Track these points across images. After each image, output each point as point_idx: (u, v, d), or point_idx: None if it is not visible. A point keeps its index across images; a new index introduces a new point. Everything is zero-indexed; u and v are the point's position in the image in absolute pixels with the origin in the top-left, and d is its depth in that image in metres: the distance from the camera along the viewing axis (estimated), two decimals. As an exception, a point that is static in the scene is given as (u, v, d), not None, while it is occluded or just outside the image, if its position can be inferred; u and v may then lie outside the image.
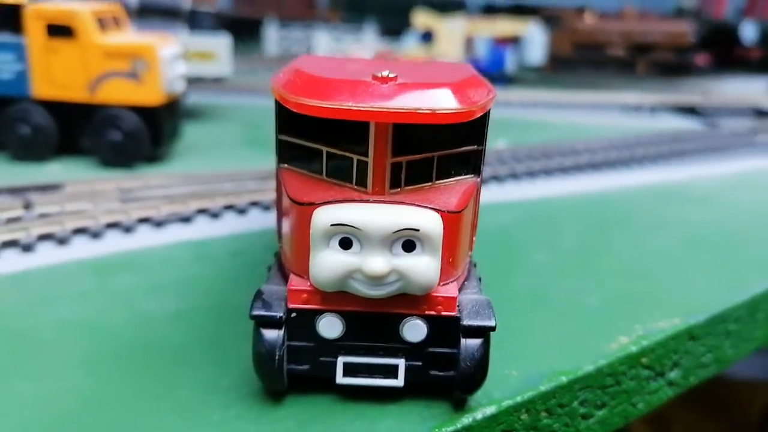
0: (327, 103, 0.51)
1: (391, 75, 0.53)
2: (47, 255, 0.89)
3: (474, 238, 0.66)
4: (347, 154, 0.55)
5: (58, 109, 1.26)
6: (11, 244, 0.89)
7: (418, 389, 0.60)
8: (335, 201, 0.54)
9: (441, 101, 0.52)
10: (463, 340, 0.57)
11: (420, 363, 0.58)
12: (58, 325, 0.72)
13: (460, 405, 0.60)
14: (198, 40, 1.61)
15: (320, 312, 0.57)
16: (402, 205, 0.53)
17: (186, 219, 1.03)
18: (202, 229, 1.02)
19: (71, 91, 1.24)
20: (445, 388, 0.59)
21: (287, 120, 0.59)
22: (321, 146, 0.57)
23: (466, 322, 0.56)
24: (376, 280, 0.52)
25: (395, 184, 0.55)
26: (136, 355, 0.67)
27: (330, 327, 0.57)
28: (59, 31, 1.21)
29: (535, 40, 2.61)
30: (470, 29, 2.56)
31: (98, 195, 1.07)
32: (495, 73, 2.66)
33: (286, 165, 0.61)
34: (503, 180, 1.33)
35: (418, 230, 0.52)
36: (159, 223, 1.00)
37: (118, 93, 1.24)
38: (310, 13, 3.77)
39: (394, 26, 3.27)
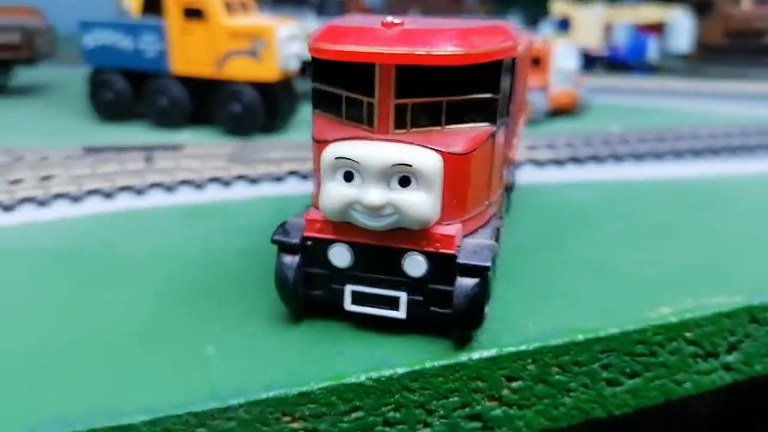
0: (334, 46, 0.57)
1: (396, 21, 0.57)
2: (156, 199, 1.04)
3: (495, 188, 0.67)
4: (360, 97, 0.60)
5: (190, 83, 1.44)
6: (127, 188, 1.05)
7: (424, 326, 0.64)
8: (343, 138, 0.59)
9: (439, 44, 0.55)
10: (458, 278, 0.59)
11: (421, 298, 0.62)
12: (148, 252, 0.85)
13: (461, 343, 0.63)
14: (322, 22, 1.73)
15: (331, 242, 0.62)
16: (401, 143, 0.57)
17: (278, 178, 1.14)
18: (291, 187, 1.12)
19: (202, 67, 1.41)
20: (445, 325, 0.62)
21: (317, 68, 0.65)
22: (341, 91, 0.63)
23: (461, 260, 0.59)
24: (374, 211, 0.57)
25: (400, 124, 0.59)
26: (200, 279, 0.77)
27: (340, 256, 0.62)
28: (193, 14, 1.38)
29: (681, 28, 2.42)
30: (610, 16, 2.45)
31: (210, 156, 1.22)
32: (635, 62, 2.53)
33: (317, 110, 0.67)
34: (599, 160, 1.29)
35: (410, 166, 0.56)
36: (253, 180, 1.12)
37: (240, 69, 1.39)
38: (456, 6, 3.82)
39: (539, 17, 3.22)
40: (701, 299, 0.74)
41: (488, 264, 0.58)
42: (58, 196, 1.01)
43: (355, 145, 0.57)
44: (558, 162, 1.26)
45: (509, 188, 0.81)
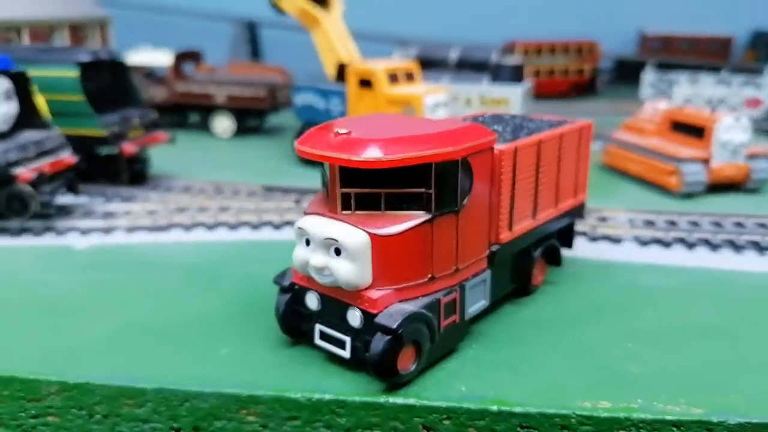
0: (300, 147, 0.77)
1: (342, 131, 0.75)
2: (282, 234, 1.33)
3: (444, 265, 0.79)
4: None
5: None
6: (268, 223, 1.37)
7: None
8: (309, 213, 0.79)
9: (359, 152, 0.71)
10: (376, 335, 0.74)
11: (359, 344, 0.78)
12: (241, 273, 1.14)
13: (390, 389, 0.77)
14: (495, 89, 1.88)
15: (307, 289, 0.82)
16: (339, 221, 0.75)
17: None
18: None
19: (371, 126, 1.69)
20: (373, 370, 0.77)
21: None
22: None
23: (376, 319, 0.74)
24: (317, 270, 0.76)
25: (346, 207, 0.77)
26: (260, 299, 1.02)
27: (311, 300, 0.82)
28: (365, 83, 1.67)
29: None
30: None
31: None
32: None
33: (322, 189, 0.87)
34: (712, 246, 1.21)
35: (336, 240, 0.73)
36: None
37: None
38: (723, 56, 3.51)
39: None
40: (654, 403, 0.75)
41: (393, 326, 0.72)
42: (220, 224, 1.37)
43: (309, 219, 0.77)
44: (663, 242, 1.23)
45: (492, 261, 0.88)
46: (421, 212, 0.76)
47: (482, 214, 0.84)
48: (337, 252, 0.74)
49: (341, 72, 1.76)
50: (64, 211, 1.43)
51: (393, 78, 1.66)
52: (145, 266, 1.17)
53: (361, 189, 0.76)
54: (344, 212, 0.77)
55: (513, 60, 2.02)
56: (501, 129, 0.97)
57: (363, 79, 1.67)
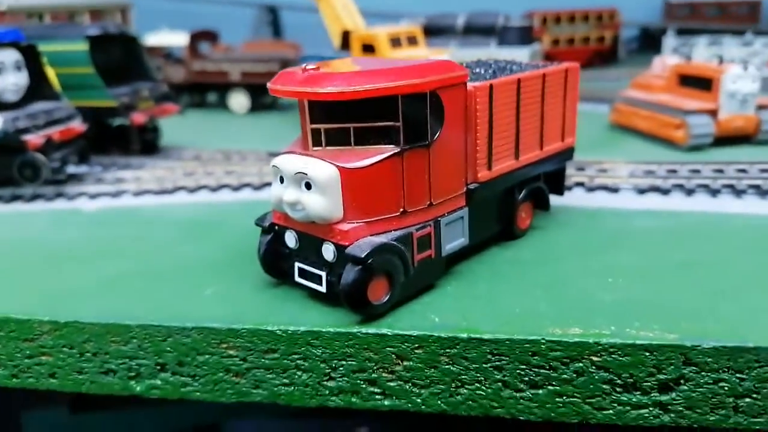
0: (271, 85, 0.79)
1: (310, 67, 0.76)
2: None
3: (416, 199, 0.79)
4: None
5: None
6: (269, 184, 1.39)
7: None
8: (285, 152, 0.81)
9: (323, 85, 0.73)
10: (347, 266, 0.76)
11: (334, 278, 0.79)
12: (242, 227, 1.16)
13: (365, 321, 0.78)
14: (501, 51, 1.87)
15: (286, 228, 0.84)
16: (308, 157, 0.77)
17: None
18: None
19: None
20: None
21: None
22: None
23: (346, 251, 0.75)
24: (290, 205, 0.78)
25: (317, 143, 0.78)
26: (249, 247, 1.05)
27: (290, 239, 0.84)
28: (368, 48, 1.68)
29: None
30: None
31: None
32: None
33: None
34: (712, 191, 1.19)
35: (306, 174, 0.75)
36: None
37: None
38: (751, 20, 3.39)
39: None
40: (627, 329, 0.75)
41: (362, 256, 0.74)
42: (223, 186, 1.40)
43: (282, 157, 0.79)
44: (661, 190, 1.21)
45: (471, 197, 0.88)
46: (391, 146, 0.77)
47: (457, 151, 0.84)
48: (308, 186, 0.76)
49: (346, 39, 1.77)
50: (76, 178, 1.48)
51: (395, 42, 1.67)
52: (146, 223, 1.21)
53: (330, 124, 0.77)
54: (315, 149, 0.79)
55: (519, 21, 2.00)
56: (482, 71, 0.97)
57: (365, 44, 1.68)
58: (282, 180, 0.79)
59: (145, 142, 1.69)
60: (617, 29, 3.25)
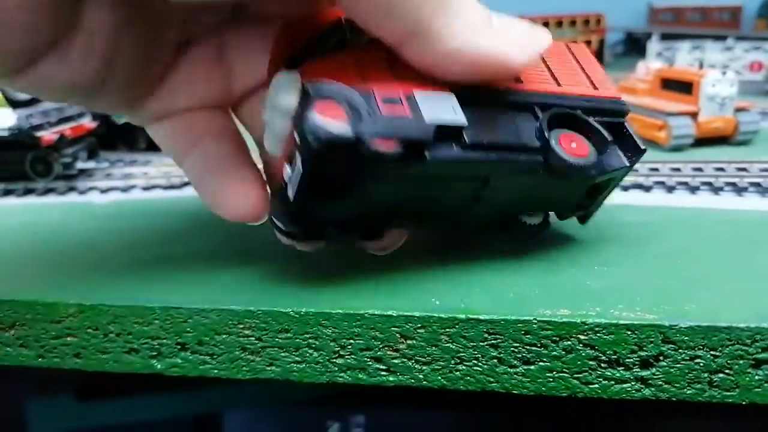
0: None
1: None
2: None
3: None
4: None
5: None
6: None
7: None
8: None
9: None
10: None
11: None
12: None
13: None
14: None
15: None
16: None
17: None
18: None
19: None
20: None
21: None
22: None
23: None
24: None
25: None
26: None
27: (301, 228, 0.90)
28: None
29: None
30: None
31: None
32: None
33: None
34: (691, 189, 1.27)
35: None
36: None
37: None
38: (733, 26, 3.50)
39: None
40: (611, 311, 0.82)
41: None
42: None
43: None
44: (644, 187, 1.29)
45: None
46: None
47: None
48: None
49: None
50: (86, 173, 1.53)
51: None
52: (158, 215, 1.27)
53: None
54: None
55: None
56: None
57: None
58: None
59: (151, 140, 1.74)
60: (603, 34, 3.34)
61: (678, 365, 0.81)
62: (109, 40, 0.74)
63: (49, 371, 0.97)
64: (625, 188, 1.30)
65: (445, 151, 0.73)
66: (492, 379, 0.85)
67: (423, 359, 0.85)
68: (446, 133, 0.71)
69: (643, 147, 0.92)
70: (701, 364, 0.81)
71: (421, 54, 0.72)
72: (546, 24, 3.19)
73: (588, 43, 3.28)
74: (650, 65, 1.79)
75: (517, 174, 0.83)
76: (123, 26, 0.75)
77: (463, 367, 0.85)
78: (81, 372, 0.95)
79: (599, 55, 3.33)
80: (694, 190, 1.26)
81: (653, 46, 2.79)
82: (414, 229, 0.95)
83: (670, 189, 1.27)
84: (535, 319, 0.81)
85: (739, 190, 1.25)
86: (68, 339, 0.92)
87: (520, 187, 0.87)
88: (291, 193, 0.74)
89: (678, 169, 1.38)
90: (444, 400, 1.79)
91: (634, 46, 3.59)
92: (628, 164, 0.91)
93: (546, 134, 0.81)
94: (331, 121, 0.63)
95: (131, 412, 1.88)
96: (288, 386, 1.83)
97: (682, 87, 1.60)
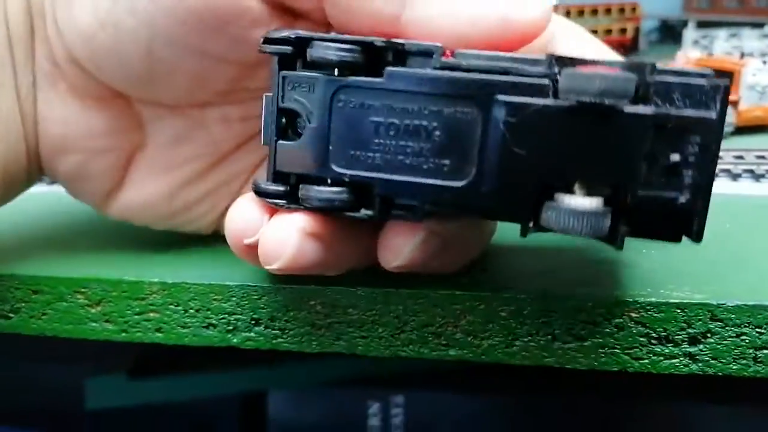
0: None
1: None
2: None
3: None
4: None
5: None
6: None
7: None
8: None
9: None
10: None
11: None
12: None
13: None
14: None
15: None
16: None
17: None
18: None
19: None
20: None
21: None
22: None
23: None
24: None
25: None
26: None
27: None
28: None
29: None
30: None
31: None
32: None
33: None
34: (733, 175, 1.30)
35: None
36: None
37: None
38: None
39: None
40: (661, 291, 0.87)
41: None
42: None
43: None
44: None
45: None
46: None
47: None
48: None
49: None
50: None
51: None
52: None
53: None
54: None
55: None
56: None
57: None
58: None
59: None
60: (638, 21, 3.34)
61: (725, 342, 0.86)
62: None
63: (106, 352, 1.05)
64: (668, 176, 1.34)
65: None
66: (547, 355, 0.90)
67: (482, 335, 0.91)
68: None
69: None
70: (747, 341, 0.85)
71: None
72: (581, 12, 3.20)
73: (623, 31, 3.28)
74: (689, 55, 1.81)
75: None
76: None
77: (520, 343, 0.90)
78: (135, 353, 1.03)
79: (635, 42, 3.33)
80: (735, 177, 1.30)
81: (689, 33, 2.79)
82: None
83: (712, 176, 1.31)
84: (588, 298, 0.87)
85: (777, 178, 1.28)
86: (150, 315, 1.00)
87: None
88: None
89: (720, 157, 1.41)
90: (481, 384, 1.85)
91: (670, 33, 3.58)
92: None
93: None
94: None
95: (180, 388, 1.97)
96: (330, 366, 1.92)
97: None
